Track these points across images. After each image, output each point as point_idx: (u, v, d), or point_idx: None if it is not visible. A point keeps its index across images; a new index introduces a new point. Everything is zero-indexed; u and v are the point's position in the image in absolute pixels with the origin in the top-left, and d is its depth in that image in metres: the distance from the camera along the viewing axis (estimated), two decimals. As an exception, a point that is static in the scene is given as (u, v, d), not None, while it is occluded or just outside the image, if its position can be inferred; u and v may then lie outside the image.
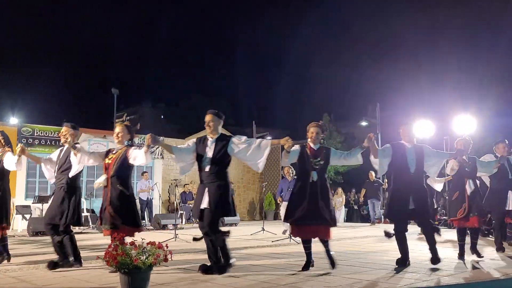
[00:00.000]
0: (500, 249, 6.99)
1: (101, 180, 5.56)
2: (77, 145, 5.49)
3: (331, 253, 5.40)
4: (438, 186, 7.28)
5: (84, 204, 13.59)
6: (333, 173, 22.49)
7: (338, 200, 17.08)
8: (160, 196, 14.69)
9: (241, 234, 11.01)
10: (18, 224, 12.37)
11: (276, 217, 18.57)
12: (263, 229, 10.98)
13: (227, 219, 14.81)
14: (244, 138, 5.34)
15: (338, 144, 23.98)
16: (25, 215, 12.28)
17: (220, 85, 72.60)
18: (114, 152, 5.60)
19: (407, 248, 5.66)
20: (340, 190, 17.65)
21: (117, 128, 5.68)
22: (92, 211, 13.90)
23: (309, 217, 5.21)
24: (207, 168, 5.20)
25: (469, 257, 6.30)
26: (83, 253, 5.88)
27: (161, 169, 16.73)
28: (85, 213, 13.31)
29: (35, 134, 14.77)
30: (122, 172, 5.47)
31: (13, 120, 23.68)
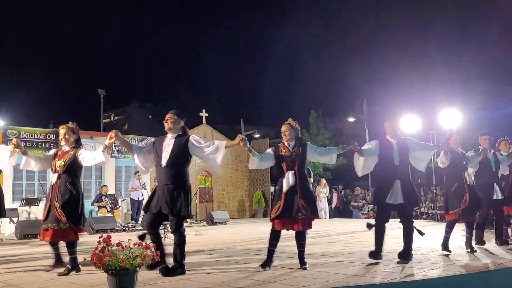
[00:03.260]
0: (404, 257, 5.65)
1: None
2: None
3: None
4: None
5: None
6: (321, 169, 22.57)
7: (322, 191, 17.17)
8: (149, 196, 14.63)
9: (232, 232, 11.03)
10: (5, 228, 12.26)
11: (265, 214, 18.61)
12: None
13: (216, 217, 14.82)
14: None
15: (327, 140, 24.03)
16: (12, 218, 12.16)
17: (208, 84, 72.61)
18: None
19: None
20: (323, 181, 17.68)
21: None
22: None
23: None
24: None
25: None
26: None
27: (150, 169, 16.69)
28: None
29: (21, 136, 14.61)
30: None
31: (-1, 123, 23.43)
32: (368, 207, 18.18)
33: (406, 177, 5.71)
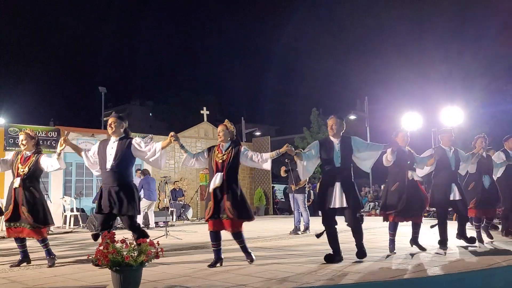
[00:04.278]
0: (362, 255, 5.61)
1: None
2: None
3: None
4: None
5: (74, 203, 13.52)
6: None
7: None
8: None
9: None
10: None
11: (267, 212, 18.61)
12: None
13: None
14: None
15: (327, 138, 23.98)
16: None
17: (208, 82, 72.61)
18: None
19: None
20: None
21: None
22: (82, 210, 13.81)
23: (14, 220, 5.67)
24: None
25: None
26: (74, 252, 5.85)
27: (150, 166, 16.66)
28: (75, 212, 13.25)
29: (22, 134, 14.60)
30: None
31: (0, 120, 23.46)
32: (370, 205, 18.20)
33: (347, 179, 5.50)
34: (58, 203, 13.45)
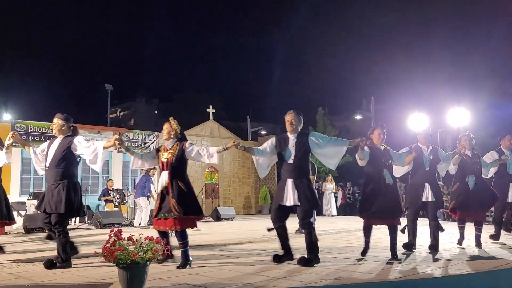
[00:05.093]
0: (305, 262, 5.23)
1: None
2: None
3: None
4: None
5: (79, 200, 13.56)
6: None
7: (330, 187, 17.28)
8: (155, 192, 14.68)
9: (238, 228, 11.04)
10: (13, 221, 12.32)
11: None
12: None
13: (222, 213, 14.85)
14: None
15: (333, 138, 23.95)
16: (20, 212, 12.22)
17: (214, 80, 72.68)
18: None
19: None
20: (330, 177, 17.81)
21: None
22: (88, 207, 13.86)
23: None
24: None
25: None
26: (80, 248, 5.86)
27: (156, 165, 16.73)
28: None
29: (29, 130, 14.72)
30: None
31: (6, 116, 23.57)
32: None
33: (300, 176, 5.27)
34: (63, 200, 13.49)
